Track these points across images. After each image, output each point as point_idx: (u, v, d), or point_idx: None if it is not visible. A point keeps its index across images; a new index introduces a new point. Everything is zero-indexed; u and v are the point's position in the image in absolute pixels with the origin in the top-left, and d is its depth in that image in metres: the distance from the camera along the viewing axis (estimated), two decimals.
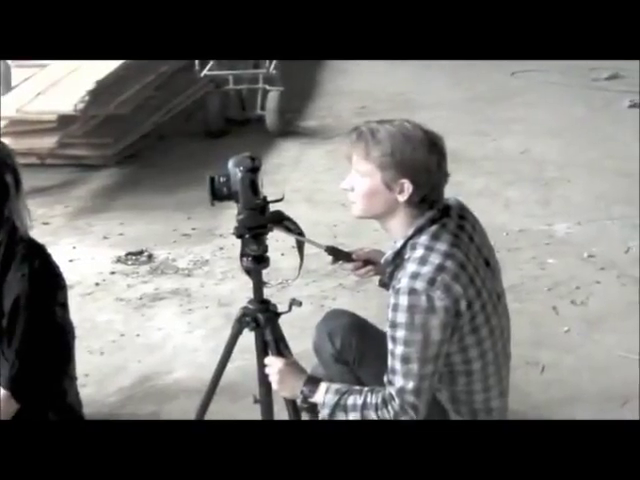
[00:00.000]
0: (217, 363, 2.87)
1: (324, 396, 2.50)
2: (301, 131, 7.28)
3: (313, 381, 2.56)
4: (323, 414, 2.50)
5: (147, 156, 6.73)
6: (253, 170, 2.63)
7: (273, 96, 7.09)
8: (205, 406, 2.91)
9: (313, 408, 2.71)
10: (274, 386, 2.65)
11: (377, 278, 2.89)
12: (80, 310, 3.96)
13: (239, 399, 3.34)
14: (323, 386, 2.52)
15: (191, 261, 4.84)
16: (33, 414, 2.80)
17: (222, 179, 2.66)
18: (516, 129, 7.07)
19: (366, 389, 2.47)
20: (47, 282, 2.83)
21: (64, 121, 6.05)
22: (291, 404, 2.70)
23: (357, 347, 2.83)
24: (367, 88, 8.44)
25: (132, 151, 6.74)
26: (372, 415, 2.40)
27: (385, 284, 2.72)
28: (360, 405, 2.43)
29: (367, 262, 2.89)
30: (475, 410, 2.58)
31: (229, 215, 5.25)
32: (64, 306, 2.93)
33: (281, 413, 2.78)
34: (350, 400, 2.45)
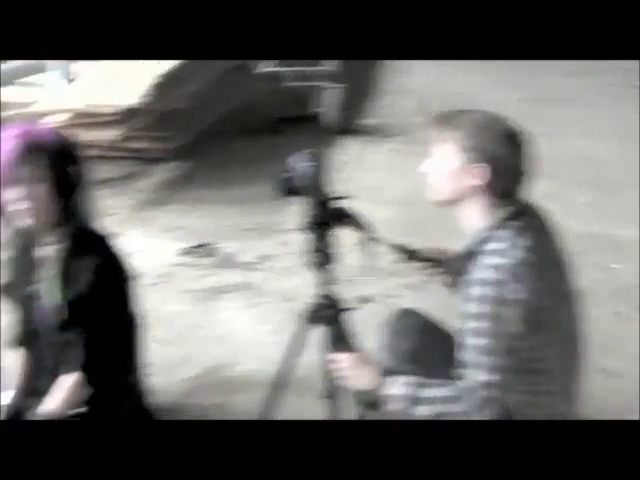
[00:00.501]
0: (285, 358, 2.87)
1: (402, 388, 2.47)
2: (360, 129, 7.26)
3: (389, 373, 2.54)
4: (398, 407, 2.46)
5: (208, 150, 6.75)
6: (318, 166, 2.67)
7: (333, 93, 7.09)
8: (272, 400, 2.92)
9: (375, 405, 2.70)
10: (346, 380, 2.63)
11: (442, 278, 2.89)
12: (145, 300, 3.99)
13: (304, 394, 3.34)
14: (401, 378, 2.49)
15: (255, 255, 4.88)
16: (102, 401, 2.84)
17: (287, 175, 2.68)
18: (575, 131, 7.01)
19: (447, 382, 2.45)
20: (114, 272, 2.88)
21: (128, 114, 6.11)
22: (359, 399, 2.70)
23: (425, 346, 2.82)
24: (427, 87, 8.41)
25: (193, 145, 6.77)
26: (454, 408, 2.38)
27: (450, 284, 2.72)
28: (441, 398, 2.40)
29: (435, 261, 2.88)
30: (539, 414, 2.52)
31: (293, 211, 5.34)
32: (130, 296, 2.97)
33: (346, 409, 2.79)
34: (431, 393, 2.42)
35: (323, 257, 2.70)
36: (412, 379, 2.48)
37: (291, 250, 4.85)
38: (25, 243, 2.88)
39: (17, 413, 2.89)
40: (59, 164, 2.71)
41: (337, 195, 2.68)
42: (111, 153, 6.28)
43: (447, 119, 2.47)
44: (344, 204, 2.70)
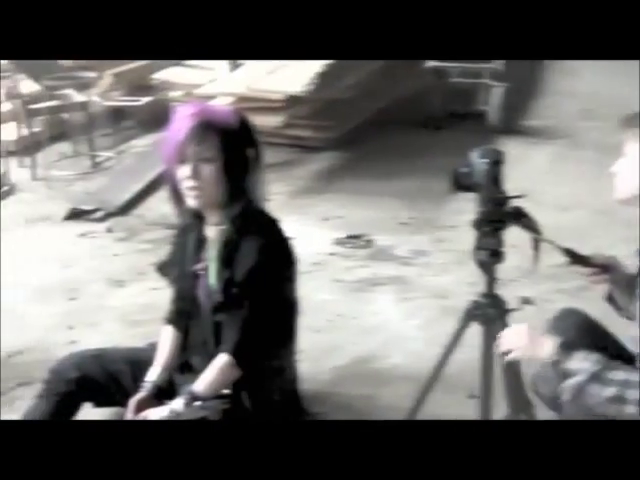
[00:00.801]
0: (441, 354, 2.84)
1: (581, 362, 2.37)
2: (523, 130, 7.14)
3: (568, 345, 2.44)
4: (573, 382, 2.36)
5: (367, 142, 6.78)
6: (498, 163, 2.62)
7: (497, 92, 6.99)
8: (424, 395, 2.90)
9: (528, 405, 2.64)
10: (518, 352, 2.53)
11: (603, 289, 2.80)
12: (298, 288, 4.02)
13: (454, 392, 3.32)
14: (581, 353, 2.39)
15: (410, 250, 4.86)
16: (252, 383, 2.87)
17: (465, 169, 2.65)
18: None
19: (630, 367, 2.35)
20: (279, 256, 2.89)
21: (291, 101, 6.18)
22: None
23: (583, 343, 2.74)
24: (592, 90, 8.17)
25: (353, 136, 6.81)
26: (634, 395, 2.28)
27: (612, 298, 2.68)
28: (622, 381, 2.30)
29: (603, 268, 2.80)
30: None
31: (450, 208, 5.38)
32: (293, 281, 2.99)
33: (499, 409, 2.74)
34: (611, 374, 2.32)
35: (492, 255, 2.66)
36: (594, 355, 2.38)
37: (446, 247, 4.84)
38: (192, 222, 2.92)
39: (159, 390, 2.93)
40: (231, 145, 2.74)
41: (512, 194, 2.63)
42: (271, 139, 6.36)
43: (636, 119, 2.45)
44: (518, 203, 2.65)
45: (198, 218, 2.89)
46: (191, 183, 2.73)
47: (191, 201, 2.77)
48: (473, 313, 2.75)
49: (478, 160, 2.62)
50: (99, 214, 5.52)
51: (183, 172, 2.73)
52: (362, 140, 6.78)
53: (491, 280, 2.74)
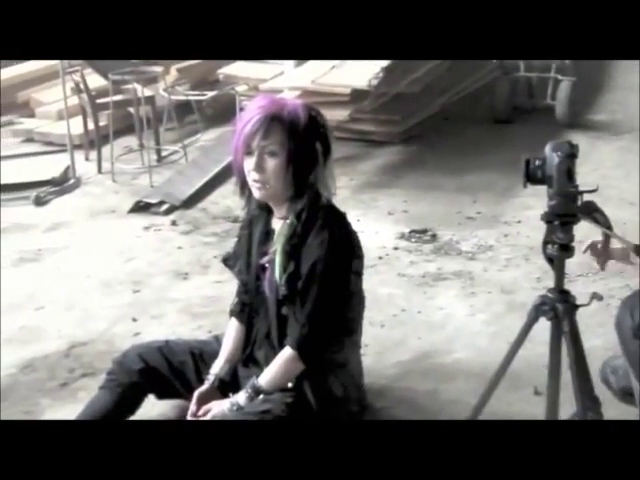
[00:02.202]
0: (507, 349, 2.80)
1: None
2: (590, 124, 7.03)
3: None
4: None
5: (432, 137, 6.74)
6: (571, 156, 2.58)
7: (565, 86, 6.88)
8: (489, 391, 2.86)
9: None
10: None
11: None
12: (363, 282, 4.01)
13: (519, 389, 3.28)
14: None
15: (475, 245, 4.81)
16: (316, 378, 2.86)
17: (538, 162, 2.60)
18: None
19: None
20: (345, 250, 2.87)
21: (356, 96, 6.15)
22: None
23: None
24: None
25: (418, 130, 6.77)
26: None
27: None
28: None
29: None
30: None
31: (516, 203, 5.33)
32: (359, 275, 2.97)
33: (566, 408, 2.69)
34: None
35: (561, 250, 2.61)
36: None
37: (512, 242, 4.79)
38: (259, 214, 2.92)
39: (223, 383, 2.94)
40: (298, 138, 2.72)
41: (585, 188, 2.58)
42: (337, 134, 6.36)
43: None
44: (591, 198, 2.61)
45: (265, 210, 2.89)
46: (256, 176, 2.73)
47: (256, 193, 2.77)
48: (541, 309, 2.70)
49: (552, 153, 2.58)
50: (164, 207, 5.55)
51: (249, 164, 2.74)
52: (427, 135, 6.75)
53: (560, 275, 2.70)
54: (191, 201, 5.69)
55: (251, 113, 2.72)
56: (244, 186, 2.84)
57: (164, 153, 6.73)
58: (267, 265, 2.86)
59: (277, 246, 2.82)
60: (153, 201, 5.63)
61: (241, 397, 2.78)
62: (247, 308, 3.01)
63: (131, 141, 6.86)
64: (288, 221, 2.81)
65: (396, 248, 4.79)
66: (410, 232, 4.99)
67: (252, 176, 2.74)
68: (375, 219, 5.21)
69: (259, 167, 2.72)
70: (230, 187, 5.44)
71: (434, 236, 4.94)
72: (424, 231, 4.99)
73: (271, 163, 2.72)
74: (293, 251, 2.79)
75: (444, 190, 5.67)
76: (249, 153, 2.73)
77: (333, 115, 6.07)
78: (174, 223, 5.36)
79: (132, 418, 2.97)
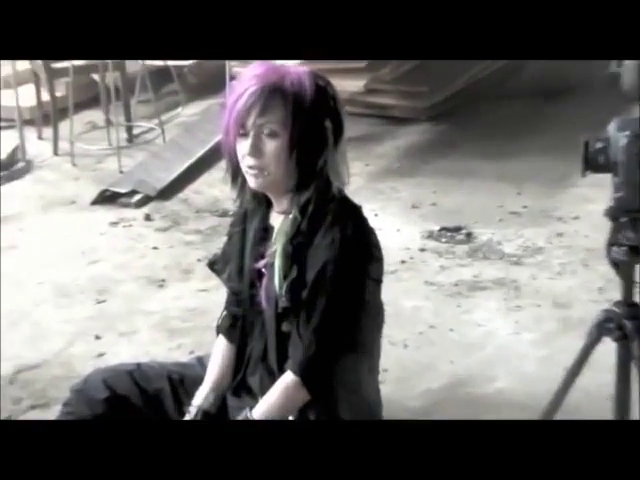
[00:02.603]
0: (563, 377, 2.79)
1: None
2: None
3: None
4: None
5: (466, 113, 6.76)
6: None
7: None
8: None
9: None
10: None
11: None
12: (382, 291, 4.00)
13: None
14: None
15: (521, 246, 4.82)
16: (324, 410, 2.84)
17: (600, 144, 2.57)
18: None
19: None
20: (360, 251, 2.84)
21: (373, 62, 6.14)
22: None
23: None
24: None
25: (448, 105, 6.78)
26: None
27: None
28: None
29: None
30: None
31: (571, 195, 5.33)
32: (378, 283, 2.94)
33: None
34: None
35: (631, 253, 2.59)
36: None
37: (567, 243, 4.80)
38: (254, 208, 2.90)
39: (208, 416, 2.92)
40: (304, 115, 2.69)
41: None
42: (350, 108, 6.32)
43: None
44: None
45: (262, 203, 2.87)
46: (252, 161, 2.70)
47: (252, 182, 2.74)
48: (605, 326, 2.69)
49: (617, 133, 2.55)
50: (135, 198, 5.57)
51: (244, 147, 2.71)
52: (461, 110, 6.76)
53: (629, 285, 2.68)
54: (169, 190, 5.71)
55: (245, 84, 2.69)
56: (236, 173, 2.80)
57: (136, 131, 6.74)
58: (264, 270, 2.83)
59: (277, 247, 2.79)
60: (122, 190, 5.63)
61: None
62: (239, 323, 2.99)
63: (95, 116, 6.87)
64: (291, 216, 2.78)
65: (422, 250, 4.80)
66: (440, 230, 5.00)
67: (247, 161, 2.71)
68: (396, 214, 5.22)
69: (256, 150, 2.69)
70: (218, 174, 5.45)
71: (469, 235, 4.96)
72: (457, 229, 5.01)
73: (270, 145, 2.68)
74: (296, 253, 2.76)
75: (481, 178, 5.68)
76: (243, 134, 2.70)
77: (345, 86, 6.05)
78: (148, 218, 5.37)
79: None
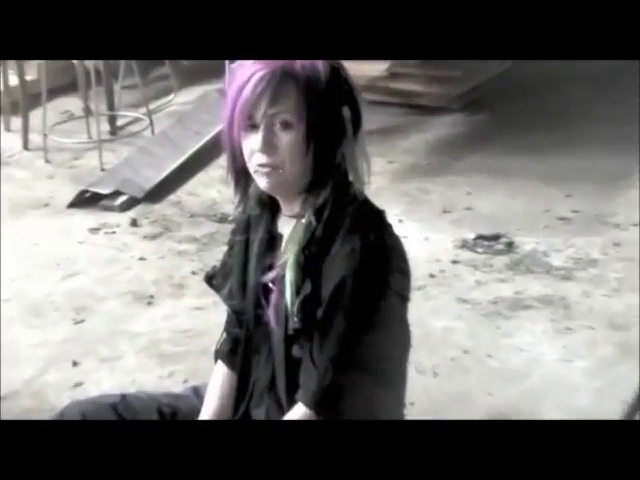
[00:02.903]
0: (622, 412, 2.79)
1: None
2: None
3: None
4: None
5: (505, 102, 6.79)
6: None
7: None
8: None
9: None
10: None
11: None
12: (409, 310, 4.00)
13: None
14: None
15: (571, 258, 4.82)
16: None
17: None
18: None
19: None
20: (385, 263, 2.83)
21: None
22: None
23: None
24: None
25: (485, 93, 6.81)
26: None
27: None
28: None
29: None
30: None
31: (630, 198, 5.32)
32: (403, 300, 2.92)
33: None
34: None
35: None
36: None
37: (626, 254, 4.80)
38: (259, 213, 2.89)
39: None
40: (320, 103, 2.69)
41: None
42: (369, 95, 6.34)
43: None
44: None
45: (268, 207, 2.86)
46: (264, 159, 2.69)
47: (263, 183, 2.72)
48: None
49: None
50: (119, 200, 5.57)
51: (252, 142, 2.69)
52: (499, 98, 6.77)
53: None
54: (159, 191, 5.73)
55: (251, 68, 2.68)
56: (240, 173, 2.79)
57: (120, 122, 6.75)
58: (272, 285, 2.82)
59: (288, 257, 2.78)
60: (104, 191, 5.63)
61: None
62: (241, 348, 2.98)
63: (72, 104, 6.88)
64: (304, 221, 2.76)
65: (455, 262, 4.81)
66: (476, 238, 5.03)
67: (257, 159, 2.69)
68: (425, 219, 5.24)
69: (269, 145, 2.66)
70: (216, 172, 5.46)
71: (510, 244, 4.97)
72: (496, 237, 5.03)
73: (285, 139, 2.66)
74: (310, 264, 2.74)
75: (524, 178, 5.69)
76: (252, 126, 2.68)
77: (363, 70, 6.08)
78: (134, 223, 5.38)
79: None
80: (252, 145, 2.68)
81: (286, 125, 2.66)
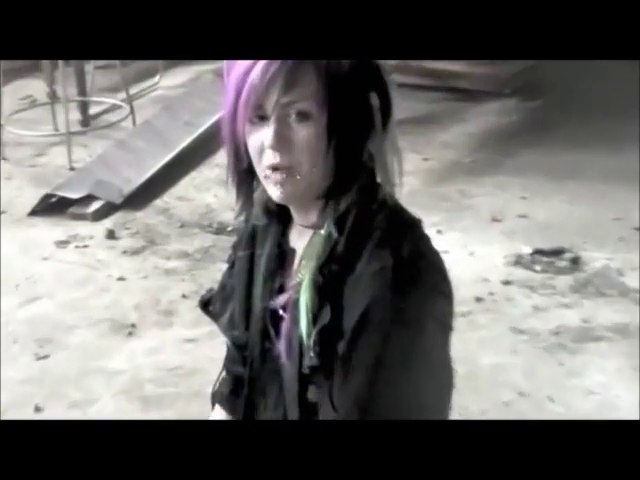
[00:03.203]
0: None
1: None
2: None
3: None
4: None
5: (565, 85, 6.90)
6: None
7: None
8: None
9: None
10: None
11: None
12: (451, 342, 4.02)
13: None
14: None
15: None
16: None
17: None
18: None
19: None
20: (422, 284, 2.80)
21: None
22: None
23: None
24: None
25: (541, 75, 6.84)
26: None
27: None
28: None
29: None
30: None
31: None
32: (445, 329, 2.90)
33: None
34: None
35: None
36: None
37: None
38: (266, 223, 2.87)
39: None
40: (345, 87, 2.67)
41: None
42: (400, 77, 6.35)
43: None
44: None
45: (277, 216, 2.83)
46: (277, 157, 2.65)
47: (277, 191, 2.69)
48: None
49: None
50: (93, 207, 5.61)
51: (261, 137, 2.65)
52: (558, 81, 6.79)
53: None
54: (142, 196, 5.78)
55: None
56: (244, 176, 2.76)
57: (94, 109, 6.78)
58: (283, 312, 2.80)
59: (302, 278, 2.76)
60: (74, 196, 5.69)
61: None
62: (244, 390, 2.97)
63: (35, 87, 6.92)
64: (322, 232, 2.73)
65: (507, 282, 4.86)
66: (533, 253, 5.07)
67: (268, 158, 2.64)
68: (469, 229, 5.31)
69: (281, 142, 2.61)
70: (211, 172, 5.48)
71: (576, 261, 5.02)
72: (558, 252, 5.07)
73: (302, 133, 2.62)
74: (330, 286, 2.71)
75: (590, 178, 5.78)
76: (261, 118, 2.64)
77: None
78: (112, 235, 5.42)
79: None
80: (261, 141, 2.62)
81: (303, 116, 2.60)
